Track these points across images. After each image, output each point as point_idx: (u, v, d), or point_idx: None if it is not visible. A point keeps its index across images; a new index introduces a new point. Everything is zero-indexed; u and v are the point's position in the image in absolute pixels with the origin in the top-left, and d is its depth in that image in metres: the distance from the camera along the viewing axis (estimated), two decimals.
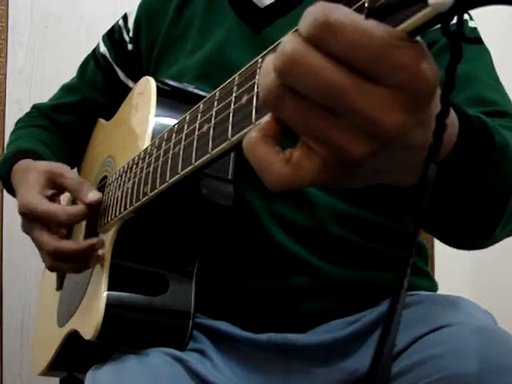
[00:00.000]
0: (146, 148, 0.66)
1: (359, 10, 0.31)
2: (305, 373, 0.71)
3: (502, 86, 0.73)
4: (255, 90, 0.41)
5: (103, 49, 0.97)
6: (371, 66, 0.30)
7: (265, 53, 0.41)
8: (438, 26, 0.30)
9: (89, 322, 0.71)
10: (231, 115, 0.44)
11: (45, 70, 1.48)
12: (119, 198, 0.70)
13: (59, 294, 0.90)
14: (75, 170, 1.03)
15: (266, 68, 0.33)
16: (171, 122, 0.66)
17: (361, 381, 0.65)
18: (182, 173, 0.54)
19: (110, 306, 0.69)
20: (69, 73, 1.04)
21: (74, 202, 0.84)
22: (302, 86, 0.31)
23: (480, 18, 0.76)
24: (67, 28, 1.50)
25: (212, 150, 0.47)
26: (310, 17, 0.30)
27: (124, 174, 0.71)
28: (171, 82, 0.77)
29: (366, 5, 0.31)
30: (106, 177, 0.83)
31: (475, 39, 0.76)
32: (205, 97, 0.53)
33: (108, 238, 0.72)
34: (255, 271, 0.74)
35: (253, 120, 0.40)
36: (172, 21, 0.87)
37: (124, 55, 0.94)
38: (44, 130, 0.98)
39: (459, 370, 0.53)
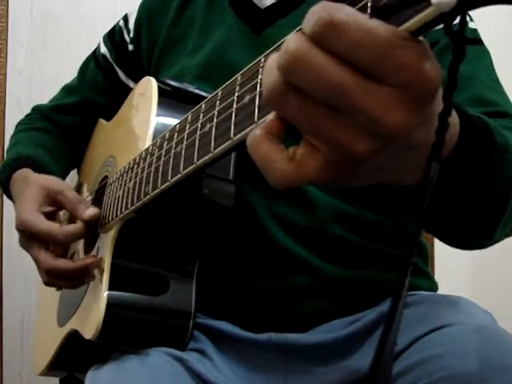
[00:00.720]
0: (148, 147, 0.66)
1: (363, 9, 0.31)
2: (305, 373, 0.71)
3: (502, 87, 0.74)
4: (258, 89, 0.41)
5: (104, 49, 0.97)
6: (374, 65, 0.30)
7: (267, 52, 0.41)
8: (440, 25, 0.30)
9: (89, 321, 0.71)
10: (234, 114, 0.44)
11: (45, 70, 1.48)
12: (120, 197, 0.70)
13: (59, 294, 0.90)
14: (75, 170, 1.03)
15: (270, 66, 0.33)
16: (172, 122, 0.66)
17: (361, 380, 0.65)
18: (183, 172, 0.54)
19: (111, 305, 0.69)
20: (69, 73, 1.04)
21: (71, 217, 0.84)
22: (305, 84, 0.31)
23: (480, 18, 0.76)
24: (67, 28, 1.50)
25: (214, 149, 0.47)
26: (314, 16, 0.30)
27: (125, 174, 0.71)
28: (172, 83, 0.77)
29: (370, 4, 0.31)
30: (106, 177, 0.83)
31: (475, 40, 0.76)
32: (206, 97, 0.53)
33: (109, 237, 0.72)
34: (256, 271, 0.74)
35: (255, 119, 0.40)
36: (173, 21, 0.87)
37: (125, 56, 0.94)
38: (44, 133, 0.98)
39: (459, 370, 0.53)
